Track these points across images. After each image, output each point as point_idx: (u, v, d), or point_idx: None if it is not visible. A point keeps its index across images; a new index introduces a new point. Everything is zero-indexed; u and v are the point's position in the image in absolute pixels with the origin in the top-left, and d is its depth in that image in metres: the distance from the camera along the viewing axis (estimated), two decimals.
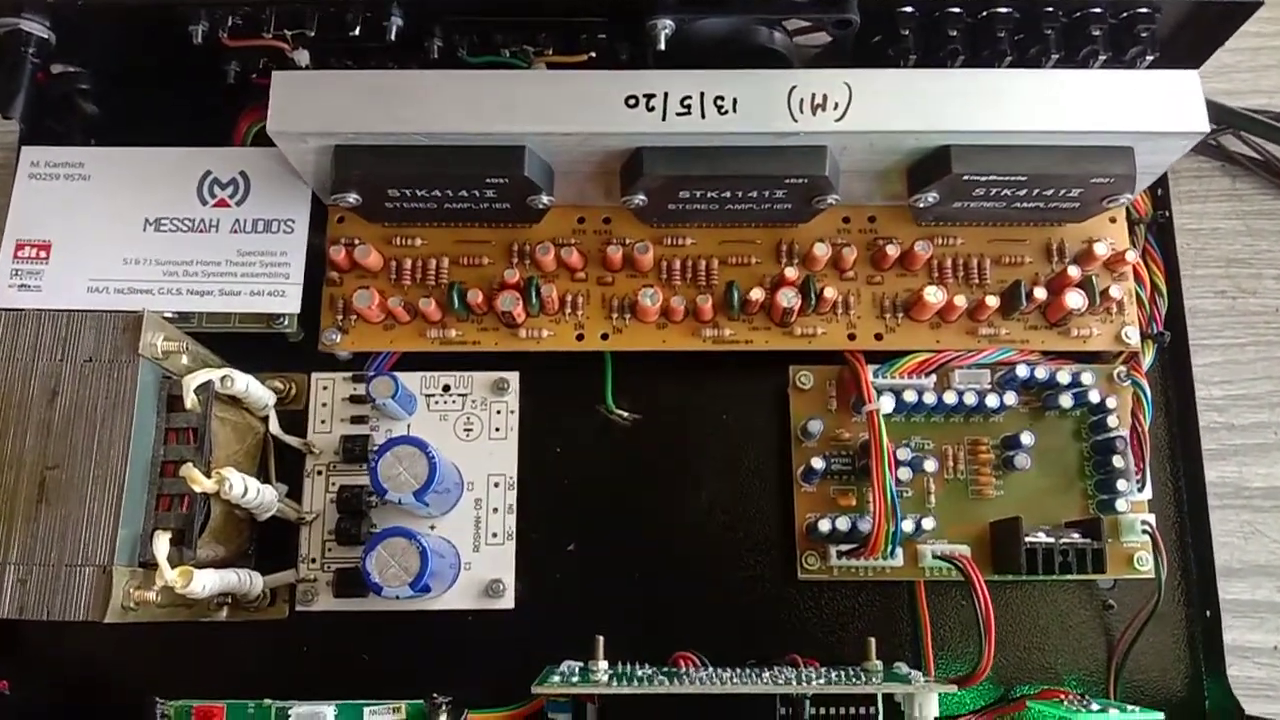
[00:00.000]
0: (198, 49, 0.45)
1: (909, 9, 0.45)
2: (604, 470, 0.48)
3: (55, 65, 0.49)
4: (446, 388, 0.47)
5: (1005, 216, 0.47)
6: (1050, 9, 0.45)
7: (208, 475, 0.39)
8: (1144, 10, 0.45)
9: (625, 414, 0.48)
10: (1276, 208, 0.53)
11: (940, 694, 0.39)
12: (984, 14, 0.45)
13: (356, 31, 0.45)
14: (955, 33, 0.45)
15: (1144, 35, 0.45)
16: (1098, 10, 0.45)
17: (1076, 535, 0.43)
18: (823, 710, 0.39)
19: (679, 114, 0.42)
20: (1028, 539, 0.42)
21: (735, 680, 0.39)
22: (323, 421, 0.47)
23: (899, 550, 0.44)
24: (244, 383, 0.43)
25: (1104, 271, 0.48)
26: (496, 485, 0.46)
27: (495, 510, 0.46)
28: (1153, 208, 0.50)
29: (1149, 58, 0.46)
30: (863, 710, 0.39)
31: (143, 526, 0.39)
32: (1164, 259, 0.49)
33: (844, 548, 0.44)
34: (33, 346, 0.40)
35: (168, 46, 0.46)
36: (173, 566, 0.38)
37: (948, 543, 0.45)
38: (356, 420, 0.47)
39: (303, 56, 0.45)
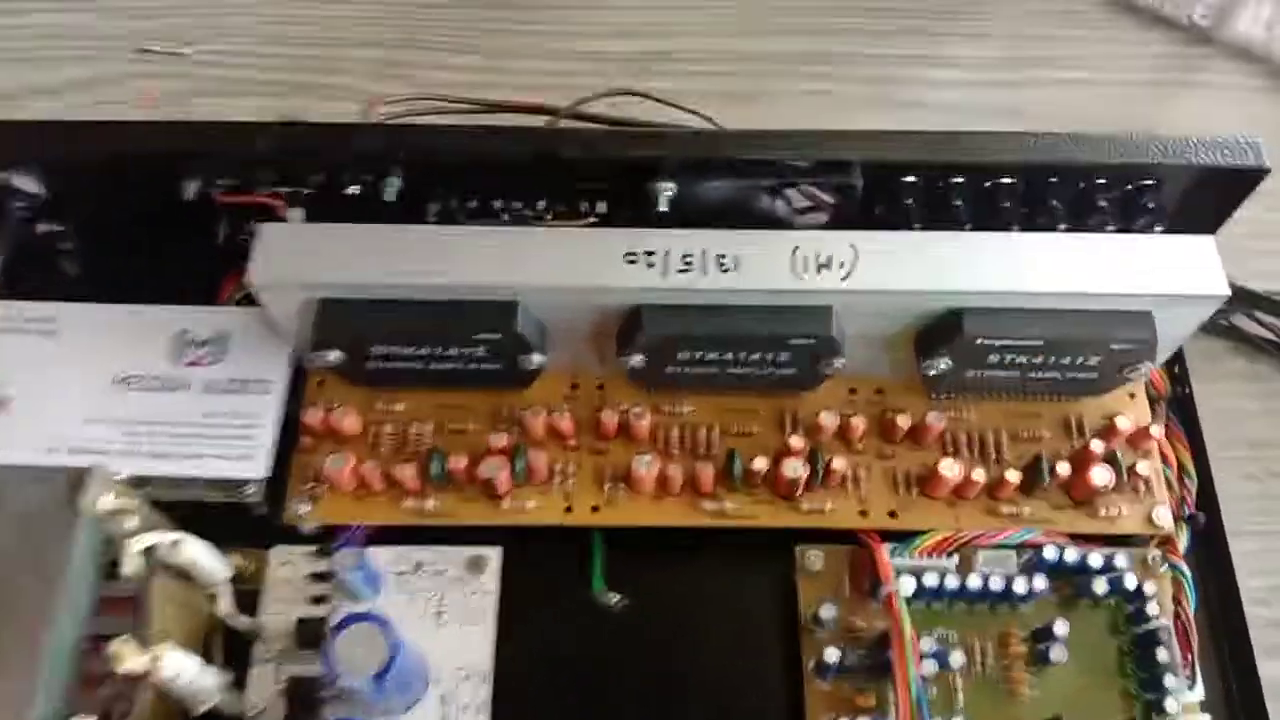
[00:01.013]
0: (188, 206, 0.44)
1: (912, 179, 0.44)
2: (590, 663, 0.43)
3: (41, 224, 0.48)
4: (419, 565, 0.43)
5: (1021, 389, 0.45)
6: (1054, 180, 0.44)
7: (144, 653, 0.35)
8: (1148, 181, 0.44)
9: (615, 598, 0.44)
10: None
11: None
12: (989, 184, 0.45)
13: (354, 190, 0.44)
14: (960, 203, 0.44)
15: (1151, 206, 0.44)
16: (1103, 181, 0.44)
17: None
18: None
19: (680, 271, 0.40)
20: None
21: None
22: (278, 601, 0.42)
23: None
24: (194, 552, 0.38)
25: (1128, 448, 0.45)
26: (467, 679, 0.41)
27: (465, 708, 0.40)
28: (1171, 384, 0.48)
29: (1158, 228, 0.45)
30: None
31: (63, 710, 0.34)
32: (1188, 438, 0.47)
33: None
34: None
35: (158, 203, 0.45)
36: None
37: None
38: (316, 601, 0.42)
39: (296, 215, 0.44)
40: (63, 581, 0.35)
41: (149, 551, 0.36)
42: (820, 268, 0.40)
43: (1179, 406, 0.48)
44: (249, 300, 0.48)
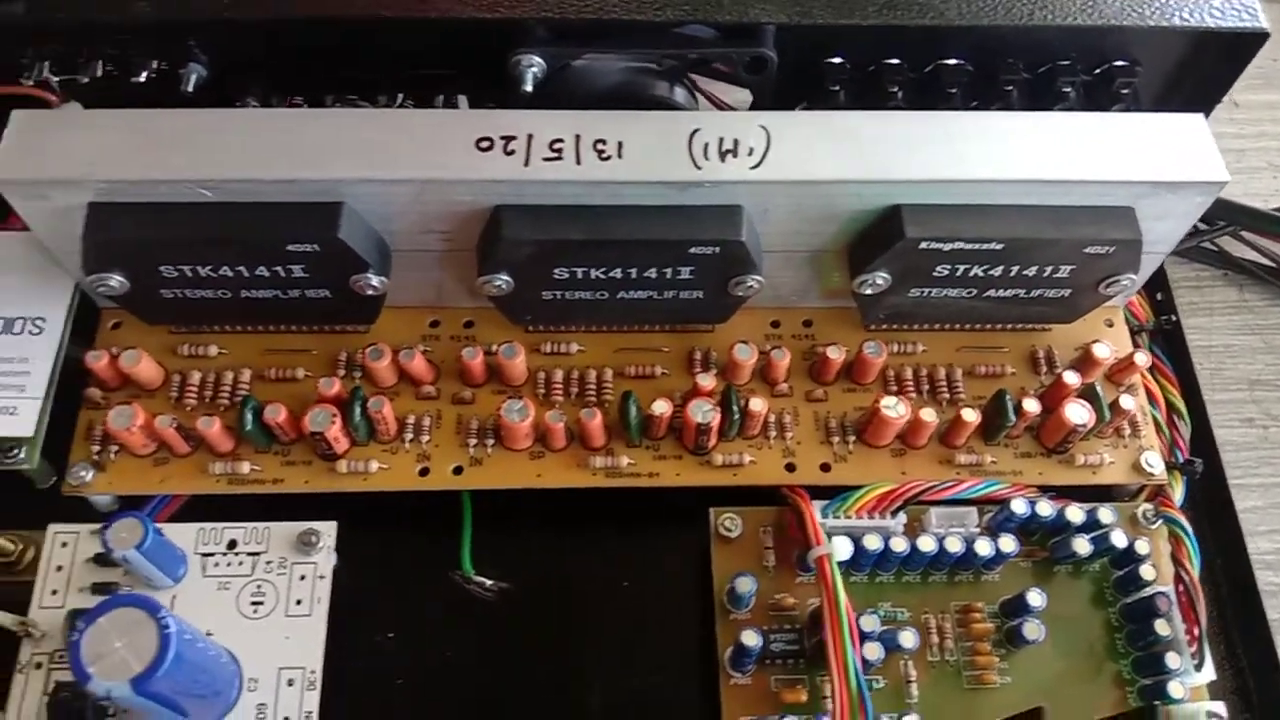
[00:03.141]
0: None
1: (838, 59, 0.36)
2: (457, 662, 0.34)
3: None
4: (232, 544, 0.34)
5: (977, 315, 0.37)
6: (1010, 60, 0.37)
7: None
8: (1122, 63, 0.37)
9: (488, 582, 0.35)
10: None
11: None
12: (930, 67, 0.37)
13: (143, 78, 0.35)
14: (895, 88, 0.36)
15: (1125, 92, 0.37)
16: (1066, 62, 0.37)
17: None
18: None
19: (547, 159, 0.32)
20: None
21: None
22: (54, 592, 0.33)
23: None
24: None
25: (1107, 384, 0.37)
26: (290, 684, 0.32)
27: None
28: (1154, 313, 0.40)
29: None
30: None
31: None
32: (1177, 375, 0.39)
33: None
34: None
35: None
36: None
37: None
38: (100, 589, 0.33)
39: (73, 109, 0.35)
40: None
41: None
42: (725, 154, 0.32)
43: (1165, 340, 0.40)
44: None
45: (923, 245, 0.33)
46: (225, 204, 0.32)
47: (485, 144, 0.32)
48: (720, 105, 0.40)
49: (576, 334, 0.37)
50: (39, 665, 0.32)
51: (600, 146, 0.32)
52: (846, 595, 0.30)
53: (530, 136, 0.32)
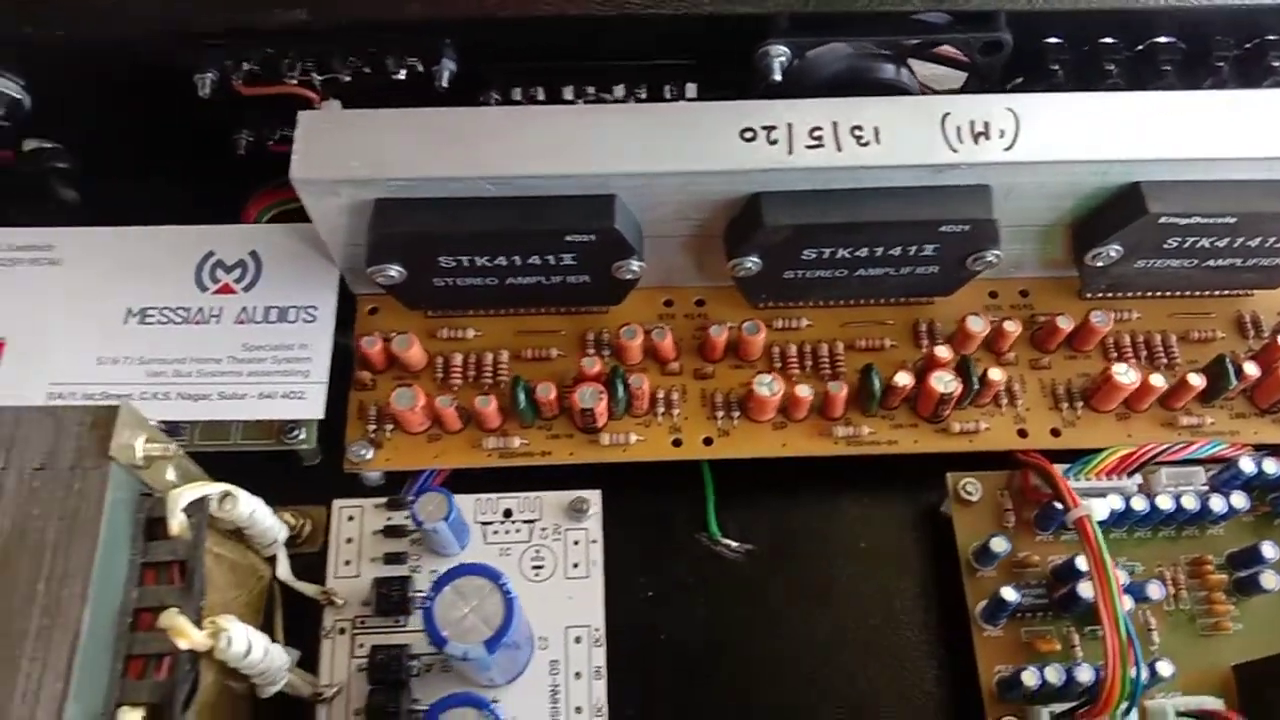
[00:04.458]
0: (205, 107, 0.37)
1: (1056, 39, 0.38)
2: (708, 620, 0.37)
3: (28, 141, 0.41)
4: (508, 513, 0.36)
5: (1190, 282, 0.39)
6: (1221, 37, 0.38)
7: (198, 626, 0.28)
8: None
9: (734, 544, 0.38)
10: None
11: None
12: (1143, 45, 0.38)
13: (401, 76, 0.37)
14: (1112, 67, 0.38)
15: None
16: (1276, 37, 0.38)
17: None
18: None
19: (809, 147, 0.34)
20: None
21: None
22: (347, 563, 0.36)
23: (1132, 709, 0.32)
24: (249, 506, 0.32)
25: None
26: (578, 641, 0.35)
27: (578, 675, 0.34)
28: None
29: None
30: None
31: (104, 701, 0.27)
32: None
33: (1059, 708, 0.33)
34: None
35: (168, 107, 0.38)
36: None
37: (1181, 694, 0.34)
38: (392, 559, 0.36)
39: (334, 108, 0.37)
40: (95, 543, 0.28)
41: (196, 506, 0.30)
42: (978, 136, 0.34)
43: None
44: (278, 221, 0.41)
45: (1163, 220, 0.34)
46: (505, 198, 0.34)
47: (749, 134, 0.34)
48: (925, 87, 0.41)
49: (806, 309, 0.39)
50: (342, 630, 0.35)
51: (858, 132, 0.34)
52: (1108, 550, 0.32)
53: (790, 126, 0.34)
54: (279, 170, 0.40)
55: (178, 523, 0.29)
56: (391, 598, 0.34)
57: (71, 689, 0.26)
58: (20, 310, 0.37)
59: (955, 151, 0.33)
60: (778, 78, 0.36)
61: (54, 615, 0.27)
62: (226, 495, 0.31)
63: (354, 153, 0.33)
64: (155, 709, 0.28)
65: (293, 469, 0.38)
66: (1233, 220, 0.35)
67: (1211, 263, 0.37)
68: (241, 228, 0.39)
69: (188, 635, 0.28)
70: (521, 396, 0.36)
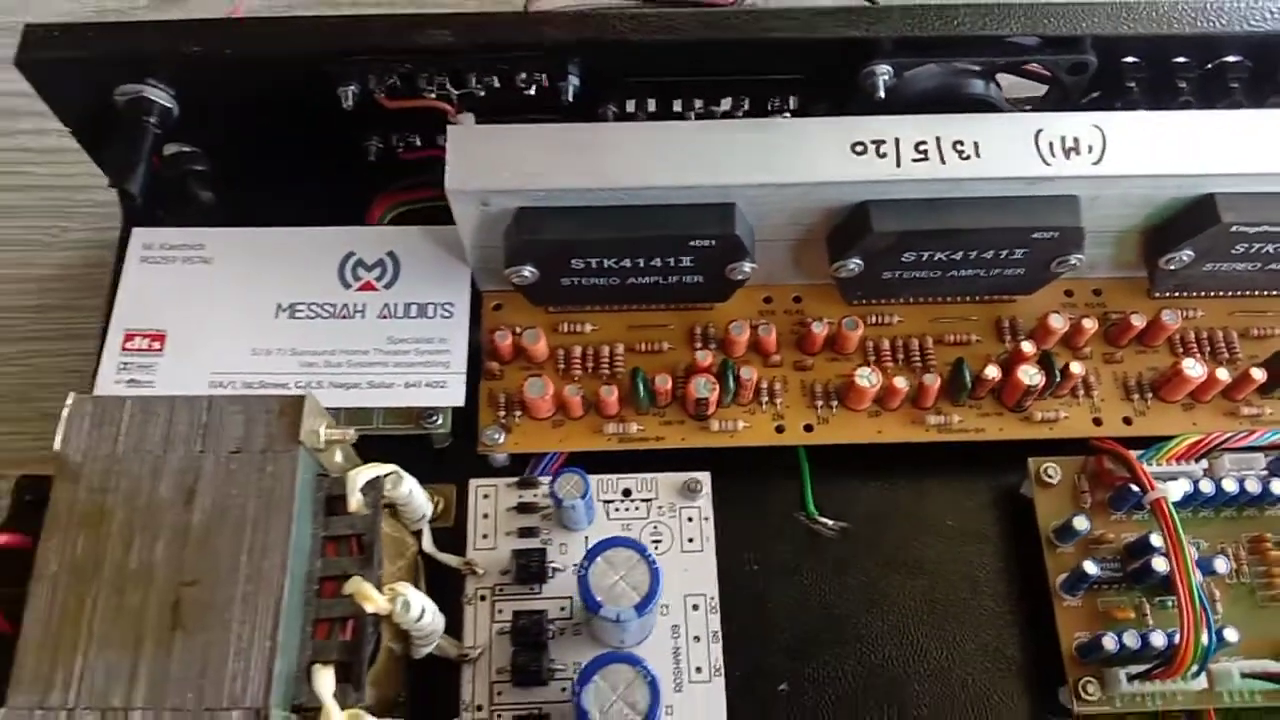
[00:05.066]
0: (344, 117, 0.40)
1: (1135, 59, 0.41)
2: (809, 590, 0.40)
3: (169, 146, 0.44)
4: (627, 492, 0.40)
5: (1250, 284, 0.42)
6: None
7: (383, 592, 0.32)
8: None
9: (830, 523, 0.41)
10: None
11: None
12: (1212, 64, 0.41)
13: (531, 92, 0.40)
14: (1184, 84, 0.41)
15: None
16: None
17: None
18: None
19: (915, 160, 0.37)
20: None
21: None
22: (484, 536, 0.39)
23: (1202, 671, 0.36)
24: (408, 485, 0.35)
25: None
26: (695, 608, 0.38)
27: (697, 639, 0.38)
28: None
29: None
30: None
31: (298, 660, 0.31)
32: None
33: (1135, 670, 0.36)
34: (164, 437, 0.32)
35: (308, 116, 0.41)
36: (341, 709, 0.30)
37: (1243, 659, 0.37)
38: (525, 534, 0.39)
39: (468, 120, 0.40)
40: (290, 519, 0.31)
41: (370, 486, 0.33)
42: (1069, 151, 0.37)
43: None
44: (399, 221, 0.45)
45: (1234, 228, 0.38)
46: (634, 206, 0.37)
47: (860, 149, 0.37)
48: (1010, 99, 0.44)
49: (897, 306, 0.42)
50: (483, 597, 0.38)
51: (959, 147, 0.37)
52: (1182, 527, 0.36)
53: (897, 140, 0.37)
54: (404, 175, 0.44)
55: (356, 500, 0.33)
56: (530, 568, 0.38)
57: (279, 647, 0.30)
58: (177, 305, 0.41)
59: (1048, 165, 0.37)
60: (882, 95, 0.39)
61: (257, 583, 0.31)
62: (393, 474, 0.34)
63: (500, 166, 0.37)
64: (343, 666, 0.31)
65: (424, 451, 0.41)
66: None
67: (1273, 266, 0.40)
68: (378, 230, 0.42)
69: (373, 600, 0.31)
70: (640, 386, 0.39)
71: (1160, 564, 0.37)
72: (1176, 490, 0.37)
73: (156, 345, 0.40)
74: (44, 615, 0.30)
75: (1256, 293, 0.43)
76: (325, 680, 0.30)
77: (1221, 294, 0.43)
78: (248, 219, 0.44)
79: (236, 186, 0.45)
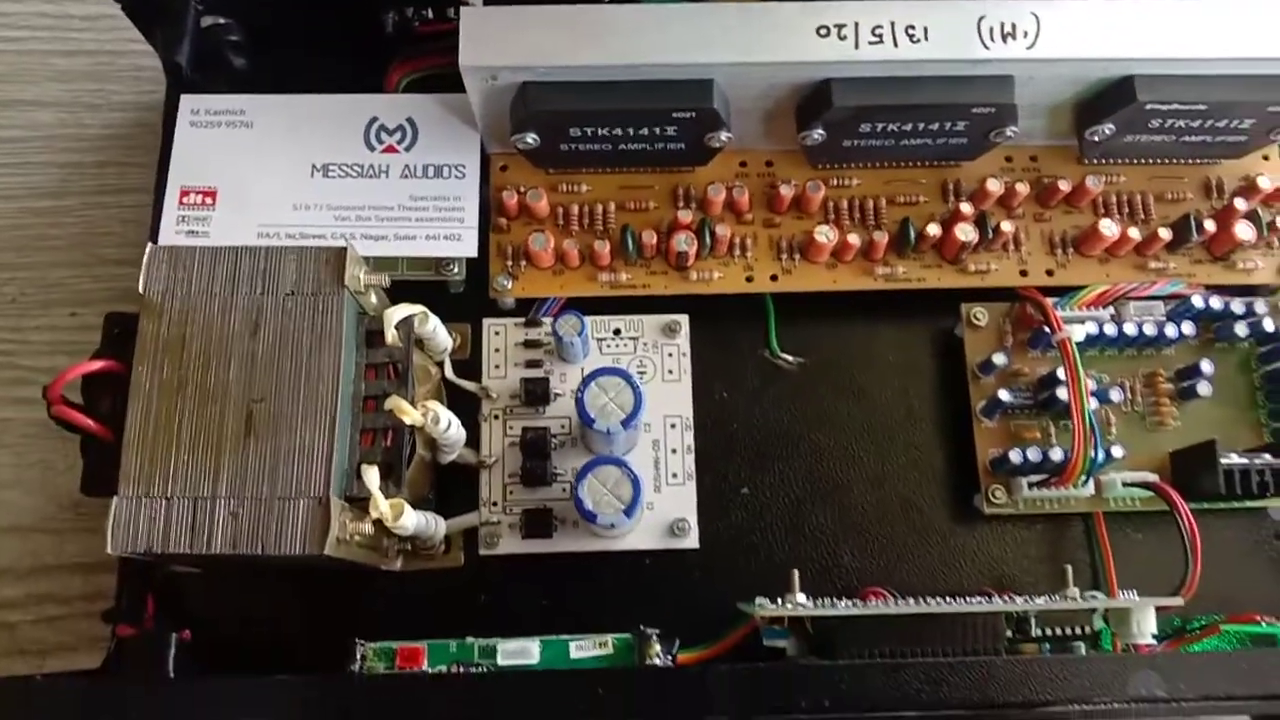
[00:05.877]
0: None
1: None
2: (771, 414, 0.47)
3: (206, 19, 0.49)
4: (617, 331, 0.47)
5: (1168, 153, 0.48)
6: None
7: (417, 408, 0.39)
8: None
9: (790, 358, 0.48)
10: None
11: None
12: None
13: None
14: None
15: None
16: None
17: (1268, 456, 0.43)
18: (1045, 631, 0.39)
19: (871, 43, 0.42)
20: (1223, 461, 0.42)
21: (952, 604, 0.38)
22: (496, 367, 0.46)
23: (1090, 480, 0.44)
24: (433, 323, 0.42)
25: (1263, 206, 0.48)
26: (673, 426, 0.46)
27: (674, 451, 0.45)
28: None
29: None
30: (1082, 630, 0.39)
31: (348, 461, 0.38)
32: None
33: (1035, 478, 0.44)
34: (231, 279, 0.39)
35: None
36: (385, 499, 0.38)
37: (1130, 472, 0.45)
38: (531, 365, 0.46)
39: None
40: (339, 350, 0.38)
41: (404, 323, 0.40)
42: (1006, 37, 0.42)
43: None
44: (413, 87, 0.49)
45: (1148, 106, 0.43)
46: (625, 82, 0.42)
47: (824, 31, 0.42)
48: None
49: (856, 170, 0.48)
50: (496, 417, 0.46)
51: (910, 31, 0.42)
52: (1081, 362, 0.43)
53: (856, 24, 0.42)
54: (419, 44, 0.48)
55: (391, 334, 0.40)
56: (535, 392, 0.45)
57: (335, 449, 0.37)
58: (225, 164, 0.46)
59: (987, 49, 0.42)
60: None
61: (314, 399, 0.38)
62: (422, 313, 0.41)
63: (507, 45, 0.42)
64: (386, 466, 0.39)
65: (443, 295, 0.48)
66: (1204, 107, 0.43)
67: (1186, 138, 0.46)
68: (396, 97, 0.48)
69: (410, 413, 0.38)
70: (629, 240, 0.46)
71: (1063, 393, 0.44)
72: (1080, 332, 0.44)
73: (209, 200, 0.46)
74: (142, 425, 0.37)
75: (1173, 161, 0.48)
76: (372, 476, 0.38)
77: (1142, 161, 0.48)
78: (278, 86, 0.49)
79: (265, 55, 0.50)
